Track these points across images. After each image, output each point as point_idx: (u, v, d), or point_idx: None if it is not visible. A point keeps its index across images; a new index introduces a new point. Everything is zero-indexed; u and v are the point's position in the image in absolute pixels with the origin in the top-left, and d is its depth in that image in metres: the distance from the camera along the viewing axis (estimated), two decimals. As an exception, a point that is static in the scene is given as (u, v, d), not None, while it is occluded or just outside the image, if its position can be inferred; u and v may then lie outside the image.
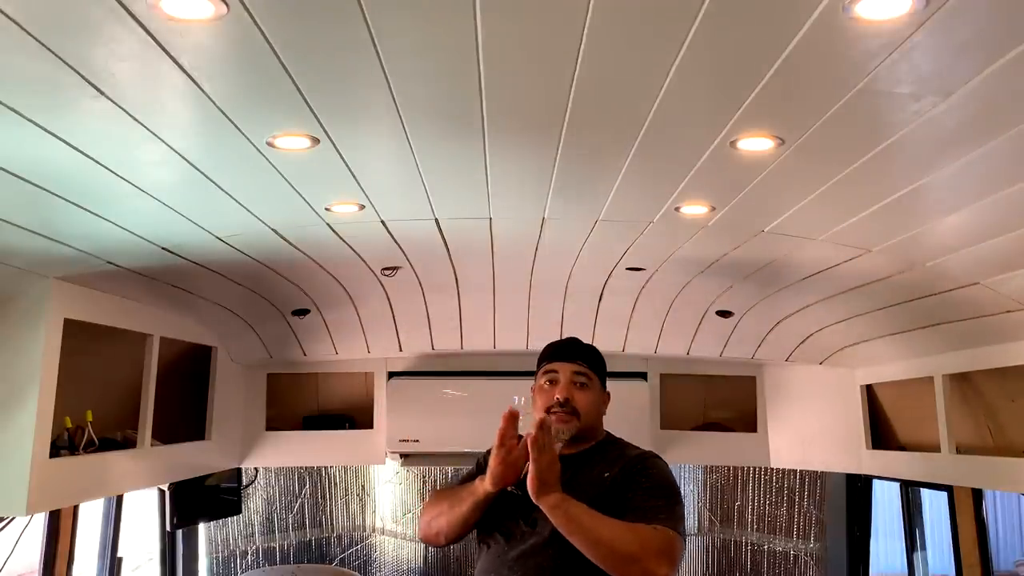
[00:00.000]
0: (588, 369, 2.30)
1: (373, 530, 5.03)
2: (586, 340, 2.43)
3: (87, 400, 2.53)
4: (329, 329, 3.47)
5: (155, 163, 1.57)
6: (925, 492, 3.58)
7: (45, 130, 1.35)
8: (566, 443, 2.25)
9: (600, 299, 3.23)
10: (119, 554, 3.32)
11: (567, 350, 2.35)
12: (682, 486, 5.01)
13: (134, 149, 1.49)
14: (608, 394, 2.38)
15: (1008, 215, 1.75)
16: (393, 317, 3.42)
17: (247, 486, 4.45)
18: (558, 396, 2.25)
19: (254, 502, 4.64)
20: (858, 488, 3.97)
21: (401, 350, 3.64)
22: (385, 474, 5.00)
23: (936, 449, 2.92)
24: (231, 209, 1.91)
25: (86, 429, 2.51)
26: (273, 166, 1.64)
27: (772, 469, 4.64)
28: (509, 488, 2.24)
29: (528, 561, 2.15)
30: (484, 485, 2.17)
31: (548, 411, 2.25)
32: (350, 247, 2.43)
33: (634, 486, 2.13)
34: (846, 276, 2.46)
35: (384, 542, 5.03)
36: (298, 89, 1.28)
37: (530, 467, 2.02)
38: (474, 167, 1.71)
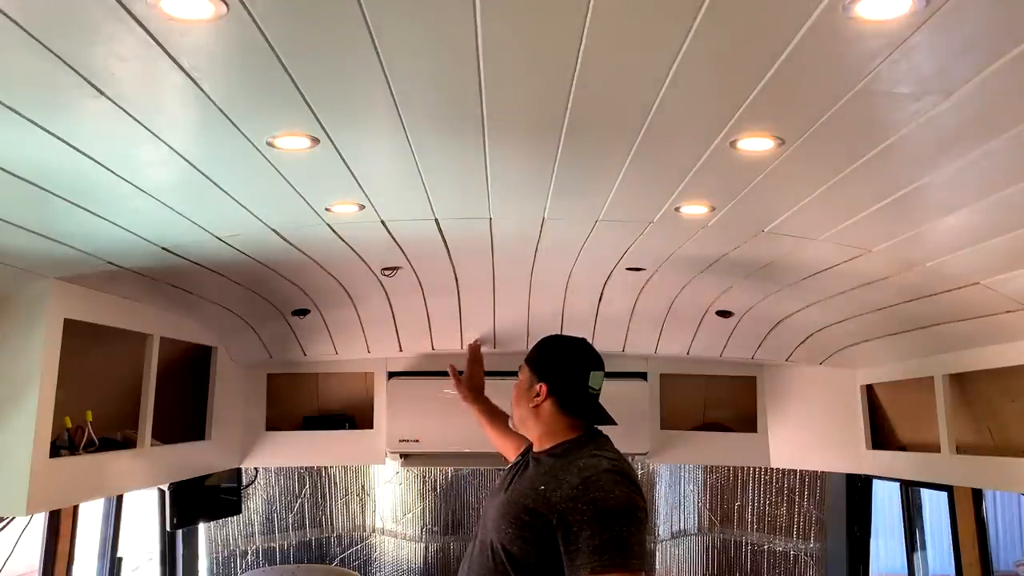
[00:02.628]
0: (523, 362, 2.41)
1: (373, 530, 5.03)
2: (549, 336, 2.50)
3: (87, 400, 2.53)
4: (329, 329, 3.47)
5: (155, 163, 1.57)
6: (925, 492, 3.58)
7: (45, 130, 1.35)
8: (535, 442, 2.34)
9: (600, 299, 3.23)
10: (119, 554, 3.33)
11: None
12: (682, 486, 5.02)
13: (134, 149, 1.49)
14: (540, 385, 2.28)
15: (1008, 215, 1.75)
16: (393, 317, 3.42)
17: (247, 486, 4.45)
18: None
19: (254, 502, 4.64)
20: (858, 488, 3.97)
21: (401, 350, 3.64)
22: (385, 474, 5.01)
23: (936, 449, 2.92)
24: (231, 209, 1.91)
25: (86, 429, 2.50)
26: (273, 166, 1.64)
27: (772, 469, 4.65)
28: (496, 482, 2.41)
29: (473, 564, 2.20)
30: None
31: None
32: (350, 247, 2.43)
33: (577, 519, 1.98)
34: (846, 276, 2.46)
35: (384, 542, 5.03)
36: (298, 89, 1.28)
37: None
38: (474, 167, 1.71)
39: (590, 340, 2.44)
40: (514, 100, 1.38)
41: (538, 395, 2.28)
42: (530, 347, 2.51)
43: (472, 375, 3.34)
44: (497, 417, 3.13)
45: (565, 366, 2.32)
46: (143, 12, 1.02)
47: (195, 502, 3.70)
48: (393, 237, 2.34)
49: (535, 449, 2.32)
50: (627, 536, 1.94)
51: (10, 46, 1.07)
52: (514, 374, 2.48)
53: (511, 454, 2.83)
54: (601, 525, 1.95)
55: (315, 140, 1.51)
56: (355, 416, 3.93)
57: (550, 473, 2.14)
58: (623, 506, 2.00)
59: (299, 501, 4.82)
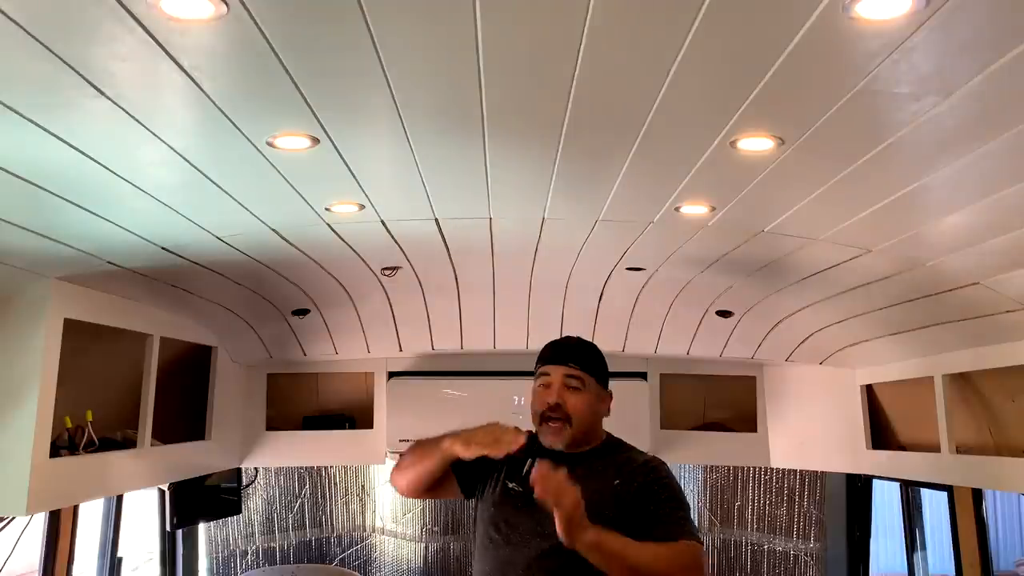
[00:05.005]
0: (580, 371, 2.23)
1: (373, 530, 5.03)
2: (586, 340, 2.39)
3: (87, 400, 2.53)
4: (329, 329, 3.47)
5: (155, 163, 1.57)
6: (925, 492, 3.58)
7: (45, 130, 1.35)
8: (567, 445, 2.22)
9: (600, 299, 3.23)
10: (119, 554, 3.32)
11: (560, 352, 2.28)
12: (682, 486, 5.00)
13: (134, 149, 1.49)
14: (609, 393, 2.31)
15: (1008, 215, 1.75)
16: (393, 317, 3.42)
17: (247, 486, 4.45)
18: (548, 400, 2.20)
19: (254, 502, 4.64)
20: (858, 488, 3.97)
21: (401, 350, 3.64)
22: (385, 474, 5.00)
23: (936, 449, 2.92)
24: (231, 209, 1.91)
25: (86, 429, 2.50)
26: (273, 166, 1.64)
27: (772, 469, 4.64)
28: (511, 485, 2.23)
29: (536, 565, 2.13)
30: (453, 446, 2.12)
31: (542, 418, 2.21)
32: (350, 247, 2.43)
33: (654, 498, 2.14)
34: (846, 276, 2.46)
35: (384, 542, 5.03)
36: (298, 89, 1.28)
37: (555, 513, 1.93)
38: (474, 167, 1.71)
39: (590, 340, 2.43)
40: (514, 100, 1.38)
41: (603, 402, 2.31)
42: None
43: None
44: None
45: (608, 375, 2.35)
46: (143, 12, 1.02)
47: (195, 502, 3.70)
48: (393, 237, 2.34)
49: (571, 449, 2.23)
50: (689, 512, 2.17)
51: (10, 46, 1.07)
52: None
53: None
54: (676, 500, 2.16)
55: (315, 140, 1.51)
56: (355, 416, 3.93)
57: (613, 468, 2.22)
58: (682, 492, 2.24)
59: (299, 501, 4.81)
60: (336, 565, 4.87)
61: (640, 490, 2.15)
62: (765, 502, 4.75)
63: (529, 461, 2.21)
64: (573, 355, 2.27)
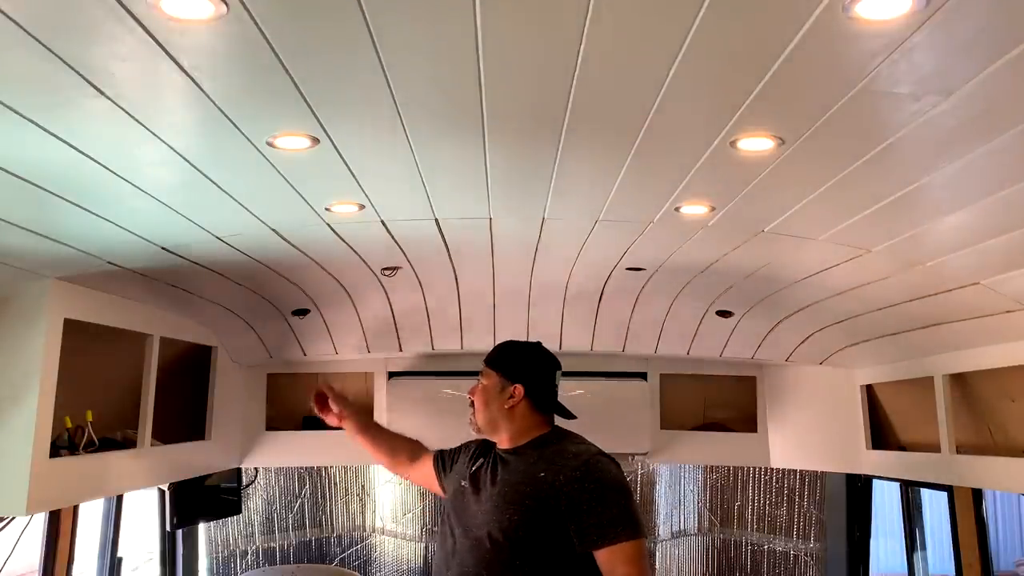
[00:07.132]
0: (485, 367, 2.49)
1: (373, 530, 5.04)
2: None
3: (87, 400, 2.53)
4: (329, 329, 3.47)
5: (155, 163, 1.57)
6: (925, 492, 3.58)
7: (45, 130, 1.35)
8: (503, 440, 2.42)
9: (600, 299, 3.23)
10: (119, 554, 3.33)
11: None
12: (682, 486, 5.02)
13: (134, 149, 1.49)
14: (515, 387, 2.41)
15: (1008, 215, 1.75)
16: (393, 317, 3.42)
17: (247, 486, 4.45)
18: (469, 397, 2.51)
19: (254, 502, 4.64)
20: (858, 488, 3.97)
21: (401, 350, 3.64)
22: (385, 474, 5.01)
23: (936, 449, 2.92)
24: (231, 209, 1.91)
25: (86, 429, 2.50)
26: (273, 166, 1.64)
27: (772, 469, 4.65)
28: (463, 483, 2.43)
29: (464, 560, 2.26)
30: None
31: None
32: (350, 247, 2.43)
33: (586, 498, 2.18)
34: (846, 276, 2.46)
35: (384, 542, 5.04)
36: (298, 89, 1.28)
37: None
38: (474, 167, 1.72)
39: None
40: (514, 100, 1.39)
41: (512, 396, 2.41)
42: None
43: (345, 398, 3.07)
44: (378, 427, 3.09)
45: (536, 368, 2.47)
46: (143, 12, 1.02)
47: (195, 502, 3.70)
48: (393, 237, 2.34)
49: (506, 446, 2.41)
50: (630, 508, 2.19)
51: (10, 46, 1.07)
52: None
53: (399, 459, 2.93)
54: (608, 502, 2.17)
55: (315, 140, 1.51)
56: (355, 416, 3.93)
57: (543, 460, 2.28)
58: (622, 483, 2.25)
59: (299, 501, 4.82)
60: (336, 565, 4.87)
61: (571, 483, 2.20)
62: (765, 502, 4.75)
63: (477, 463, 2.43)
64: (487, 357, 2.52)
